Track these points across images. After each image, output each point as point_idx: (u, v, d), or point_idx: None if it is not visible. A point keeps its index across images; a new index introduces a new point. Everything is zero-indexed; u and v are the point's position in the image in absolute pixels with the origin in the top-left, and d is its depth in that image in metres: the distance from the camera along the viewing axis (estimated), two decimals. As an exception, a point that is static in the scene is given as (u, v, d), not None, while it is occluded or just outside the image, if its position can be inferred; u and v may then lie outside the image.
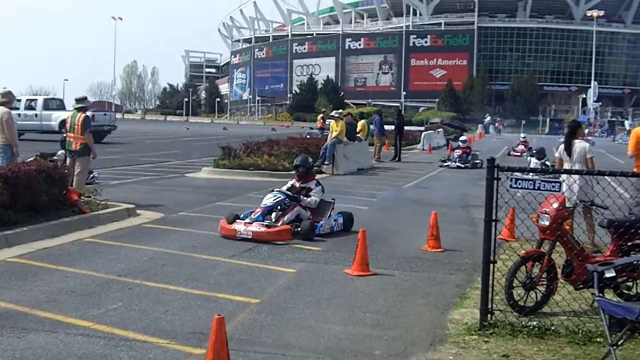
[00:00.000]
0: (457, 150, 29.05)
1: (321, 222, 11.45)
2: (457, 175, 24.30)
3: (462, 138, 31.03)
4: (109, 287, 7.69)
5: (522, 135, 39.59)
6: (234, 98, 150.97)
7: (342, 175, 22.70)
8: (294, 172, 12.93)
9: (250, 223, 10.93)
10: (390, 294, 7.89)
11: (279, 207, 11.42)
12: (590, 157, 10.98)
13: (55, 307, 6.81)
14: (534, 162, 22.38)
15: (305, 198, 11.85)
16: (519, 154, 34.80)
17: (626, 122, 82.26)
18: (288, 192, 11.80)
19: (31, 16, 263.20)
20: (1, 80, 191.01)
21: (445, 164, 27.77)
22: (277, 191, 11.83)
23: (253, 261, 9.33)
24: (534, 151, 25.35)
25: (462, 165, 27.24)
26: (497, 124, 75.86)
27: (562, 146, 11.28)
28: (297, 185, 12.15)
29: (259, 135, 32.70)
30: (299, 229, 11.00)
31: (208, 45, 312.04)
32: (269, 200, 11.55)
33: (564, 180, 9.89)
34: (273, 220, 11.19)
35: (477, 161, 27.31)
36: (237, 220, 11.06)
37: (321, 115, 31.73)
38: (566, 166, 10.93)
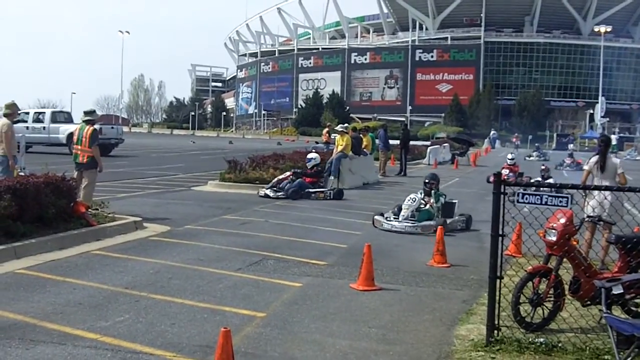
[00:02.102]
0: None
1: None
2: (463, 190, 24.26)
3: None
4: (116, 299, 7.71)
5: (511, 155, 30.05)
6: (240, 112, 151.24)
7: (347, 189, 22.68)
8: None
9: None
10: (396, 309, 7.89)
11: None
12: (621, 172, 10.93)
13: (63, 319, 6.83)
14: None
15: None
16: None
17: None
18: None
19: (39, 30, 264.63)
20: (9, 92, 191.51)
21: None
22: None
23: (259, 274, 9.33)
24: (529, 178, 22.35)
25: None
26: (514, 139, 74.52)
27: (592, 160, 11.10)
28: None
29: (265, 149, 32.79)
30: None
31: (214, 59, 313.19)
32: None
33: (594, 197, 9.89)
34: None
35: None
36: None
37: (327, 129, 31.76)
38: (596, 182, 10.79)
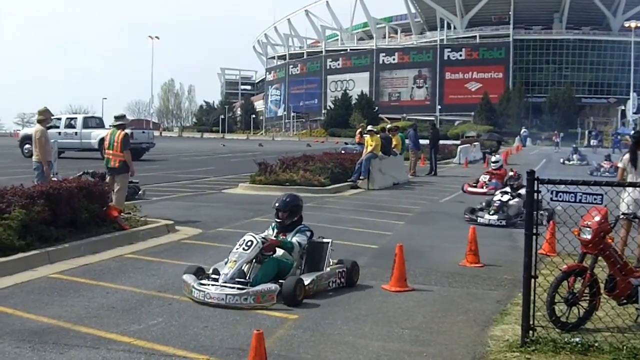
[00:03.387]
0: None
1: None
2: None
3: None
4: (149, 302, 7.75)
5: (494, 158, 24.69)
6: (269, 114, 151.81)
7: (377, 189, 22.66)
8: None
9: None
10: (429, 310, 7.83)
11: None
12: None
13: (96, 322, 6.87)
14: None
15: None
16: (479, 190, 21.91)
17: None
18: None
19: (70, 36, 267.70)
20: (41, 99, 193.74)
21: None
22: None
23: (291, 277, 9.30)
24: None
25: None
26: (554, 137, 72.25)
27: (626, 157, 10.95)
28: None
29: (294, 151, 32.86)
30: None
31: (243, 62, 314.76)
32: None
33: (629, 194, 9.74)
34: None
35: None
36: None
37: (359, 129, 31.66)
38: (630, 178, 10.62)
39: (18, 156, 37.39)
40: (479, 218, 15.26)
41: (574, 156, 42.55)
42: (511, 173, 17.28)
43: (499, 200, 15.65)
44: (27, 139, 37.00)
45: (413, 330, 6.98)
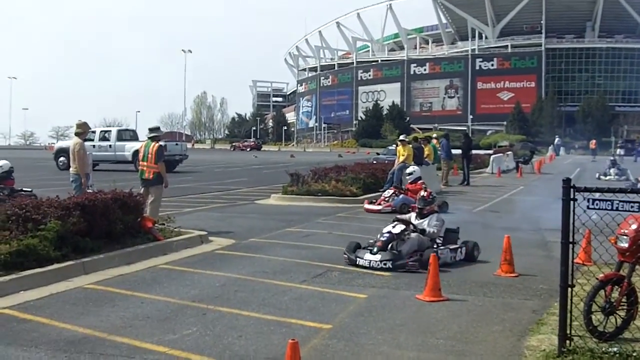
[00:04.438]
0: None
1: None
2: (529, 198, 23.90)
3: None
4: (184, 312, 7.79)
5: (411, 169, 20.95)
6: (301, 126, 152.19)
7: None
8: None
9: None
10: (464, 320, 7.76)
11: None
12: None
13: (131, 332, 6.92)
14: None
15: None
16: (375, 207, 18.96)
17: None
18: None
19: (104, 50, 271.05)
20: (76, 112, 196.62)
21: None
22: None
23: (324, 286, 9.32)
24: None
25: None
26: (592, 145, 69.08)
27: None
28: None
29: (326, 161, 32.92)
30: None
31: (275, 74, 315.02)
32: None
33: None
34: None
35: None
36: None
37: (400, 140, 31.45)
38: None
39: (53, 169, 37.89)
40: (358, 259, 10.83)
41: (611, 170, 36.47)
42: (424, 193, 12.61)
43: (388, 232, 11.26)
44: (61, 151, 37.64)
45: (448, 340, 6.92)
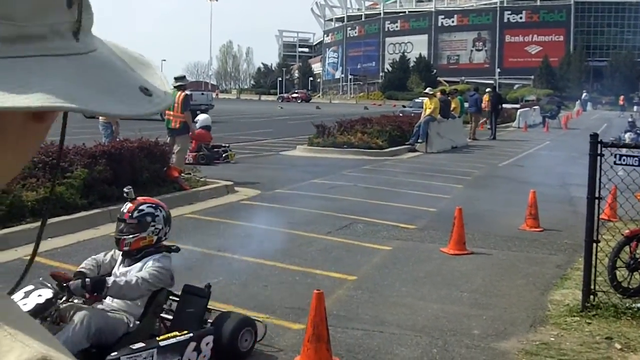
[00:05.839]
0: None
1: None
2: (555, 153, 23.70)
3: None
4: (210, 261, 7.89)
5: (199, 116, 18.63)
6: (327, 77, 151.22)
7: (435, 153, 22.48)
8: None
9: None
10: (488, 274, 7.80)
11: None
12: None
13: (159, 280, 7.01)
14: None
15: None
16: None
17: None
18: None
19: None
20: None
21: None
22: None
23: (349, 238, 9.37)
24: None
25: None
26: (621, 101, 67.11)
27: None
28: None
29: (352, 113, 32.72)
30: None
31: (301, 25, 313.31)
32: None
33: None
34: None
35: None
36: None
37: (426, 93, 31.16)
38: None
39: (79, 117, 38.08)
40: None
41: (627, 135, 26.49)
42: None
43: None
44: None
45: (472, 293, 6.97)
